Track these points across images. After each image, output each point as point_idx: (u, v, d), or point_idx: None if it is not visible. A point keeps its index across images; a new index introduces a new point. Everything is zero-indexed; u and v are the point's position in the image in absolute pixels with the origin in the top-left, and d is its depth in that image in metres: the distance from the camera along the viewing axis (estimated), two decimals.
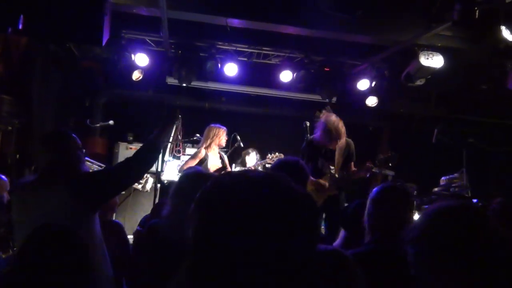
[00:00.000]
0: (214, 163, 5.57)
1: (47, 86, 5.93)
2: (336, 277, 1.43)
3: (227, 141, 5.88)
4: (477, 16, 4.29)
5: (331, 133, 4.70)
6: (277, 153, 6.00)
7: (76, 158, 2.51)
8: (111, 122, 6.11)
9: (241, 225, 0.77)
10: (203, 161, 5.47)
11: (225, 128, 5.71)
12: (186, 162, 5.59)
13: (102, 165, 5.45)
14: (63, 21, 3.69)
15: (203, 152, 5.53)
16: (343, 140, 4.82)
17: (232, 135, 6.09)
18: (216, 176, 0.90)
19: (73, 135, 2.57)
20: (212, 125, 5.70)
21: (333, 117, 4.77)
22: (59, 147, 2.48)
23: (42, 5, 3.76)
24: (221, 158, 5.75)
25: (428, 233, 1.33)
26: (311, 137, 4.97)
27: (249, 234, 0.77)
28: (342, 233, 2.84)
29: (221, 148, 5.78)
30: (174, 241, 2.07)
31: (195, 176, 2.42)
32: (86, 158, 3.91)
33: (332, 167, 4.87)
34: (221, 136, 5.62)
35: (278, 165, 2.39)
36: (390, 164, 5.08)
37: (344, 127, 4.79)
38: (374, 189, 2.21)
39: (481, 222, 1.32)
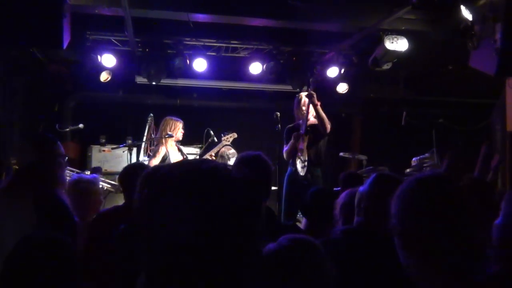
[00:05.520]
0: (176, 158, 5.38)
1: (11, 92, 5.80)
2: (302, 266, 1.47)
3: (201, 137, 5.83)
4: None
5: (299, 102, 5.21)
6: (231, 134, 5.79)
7: (57, 164, 2.62)
8: (80, 125, 6.02)
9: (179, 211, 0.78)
10: (165, 158, 5.28)
11: (181, 120, 5.51)
12: (149, 162, 5.35)
13: (76, 170, 5.38)
14: (20, 26, 3.62)
15: (163, 149, 5.32)
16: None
17: (206, 130, 6.03)
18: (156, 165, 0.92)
19: (59, 142, 2.70)
20: (168, 117, 5.49)
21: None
22: (46, 148, 2.60)
23: None
24: (180, 150, 5.58)
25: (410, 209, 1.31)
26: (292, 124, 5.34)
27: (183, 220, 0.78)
28: (304, 220, 2.91)
29: (178, 142, 5.58)
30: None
31: (132, 169, 2.84)
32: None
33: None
34: (178, 130, 5.42)
35: (240, 160, 2.43)
36: None
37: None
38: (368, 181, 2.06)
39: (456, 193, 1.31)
